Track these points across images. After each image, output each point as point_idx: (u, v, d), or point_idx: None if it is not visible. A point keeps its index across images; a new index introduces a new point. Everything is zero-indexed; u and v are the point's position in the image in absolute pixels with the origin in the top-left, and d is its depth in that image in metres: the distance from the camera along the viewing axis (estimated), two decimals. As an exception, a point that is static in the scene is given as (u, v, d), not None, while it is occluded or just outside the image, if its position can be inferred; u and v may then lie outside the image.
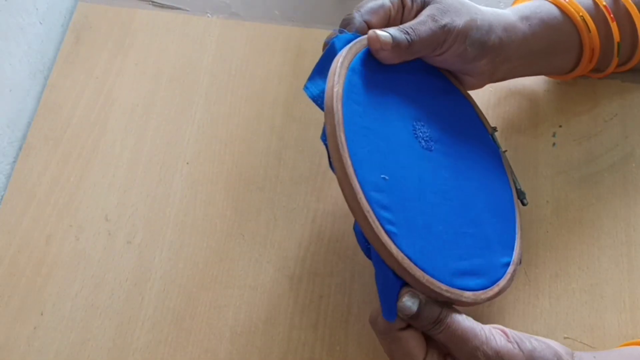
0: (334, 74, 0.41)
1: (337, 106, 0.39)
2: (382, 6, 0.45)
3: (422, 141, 0.44)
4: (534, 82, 0.57)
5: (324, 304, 0.49)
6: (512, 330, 0.40)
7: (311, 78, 0.44)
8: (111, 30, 0.61)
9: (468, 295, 0.40)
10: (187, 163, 0.55)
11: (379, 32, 0.43)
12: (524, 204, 0.49)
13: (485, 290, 0.42)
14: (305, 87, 0.44)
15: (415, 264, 0.39)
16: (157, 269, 0.51)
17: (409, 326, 0.40)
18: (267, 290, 0.50)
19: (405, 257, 0.38)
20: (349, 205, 0.39)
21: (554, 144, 0.54)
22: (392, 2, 0.46)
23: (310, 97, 0.43)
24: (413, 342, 0.39)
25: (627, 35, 0.50)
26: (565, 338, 0.47)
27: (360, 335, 0.48)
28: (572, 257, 0.50)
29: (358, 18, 0.45)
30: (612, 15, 0.49)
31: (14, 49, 0.56)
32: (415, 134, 0.44)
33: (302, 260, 0.51)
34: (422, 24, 0.45)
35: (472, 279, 0.41)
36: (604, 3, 0.50)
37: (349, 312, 0.49)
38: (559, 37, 0.50)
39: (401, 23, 0.46)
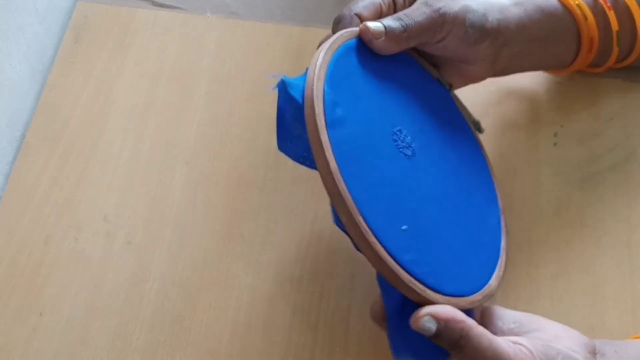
0: (315, 118, 0.38)
1: (334, 168, 0.38)
2: (372, 2, 0.45)
3: (402, 148, 0.42)
4: (534, 82, 0.57)
5: (324, 305, 0.49)
6: (535, 345, 0.38)
7: (280, 136, 0.43)
8: (111, 30, 0.61)
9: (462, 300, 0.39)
10: (187, 163, 0.55)
11: (369, 23, 0.43)
12: (480, 132, 0.49)
13: (473, 295, 0.40)
14: (280, 148, 0.43)
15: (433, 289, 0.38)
16: (157, 269, 0.51)
17: None
18: (266, 291, 0.50)
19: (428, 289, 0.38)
20: (385, 276, 0.38)
21: (555, 144, 0.54)
22: (382, 1, 0.46)
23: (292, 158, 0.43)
24: None
25: (626, 30, 0.50)
26: (566, 339, 0.47)
27: (360, 336, 0.48)
28: (573, 258, 0.50)
29: (348, 14, 0.45)
30: (609, 5, 0.49)
31: (14, 48, 0.56)
32: (396, 144, 0.42)
33: (302, 260, 0.51)
34: (416, 9, 0.45)
35: (465, 283, 0.41)
36: None
37: (349, 313, 0.49)
38: (556, 24, 0.50)
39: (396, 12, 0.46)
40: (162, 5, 0.62)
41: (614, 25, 0.50)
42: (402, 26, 0.44)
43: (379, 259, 0.37)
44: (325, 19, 0.61)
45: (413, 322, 0.37)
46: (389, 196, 0.39)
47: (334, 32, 0.44)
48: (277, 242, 0.51)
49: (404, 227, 0.39)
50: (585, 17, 0.49)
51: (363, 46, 0.44)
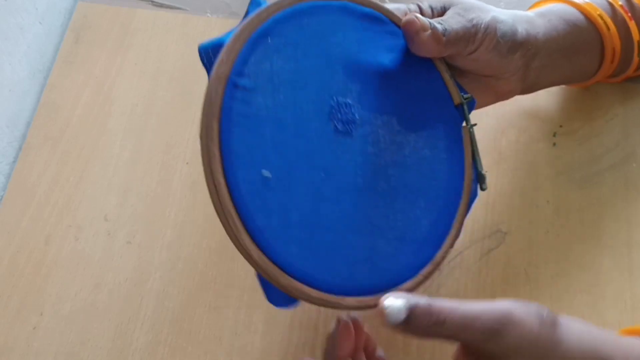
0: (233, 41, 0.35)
1: (217, 90, 0.35)
2: (398, 8, 0.44)
3: (339, 123, 0.38)
4: (534, 82, 0.57)
5: (324, 305, 0.49)
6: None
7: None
8: (111, 30, 0.61)
9: (350, 301, 0.37)
10: (187, 163, 0.55)
11: (417, 15, 0.42)
12: (482, 189, 0.44)
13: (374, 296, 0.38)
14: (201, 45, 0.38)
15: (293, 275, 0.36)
16: (157, 269, 0.51)
17: None
18: (267, 291, 0.50)
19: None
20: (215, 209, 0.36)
21: (554, 144, 0.54)
22: (409, 9, 0.45)
23: (200, 53, 0.38)
24: None
25: None
26: (566, 338, 0.47)
27: (360, 335, 0.48)
28: (572, 258, 0.50)
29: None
30: (629, 14, 0.49)
31: (14, 48, 0.56)
32: (330, 115, 0.38)
33: (302, 260, 0.51)
34: (450, 17, 0.44)
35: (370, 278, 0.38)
36: (620, 3, 0.49)
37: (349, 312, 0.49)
38: (580, 35, 0.49)
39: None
40: (162, 5, 0.62)
41: (635, 35, 0.49)
42: (443, 29, 0.43)
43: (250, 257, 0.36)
44: (325, 19, 0.61)
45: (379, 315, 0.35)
46: (277, 169, 0.36)
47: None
48: (277, 242, 0.51)
49: (265, 173, 0.36)
50: (608, 28, 0.49)
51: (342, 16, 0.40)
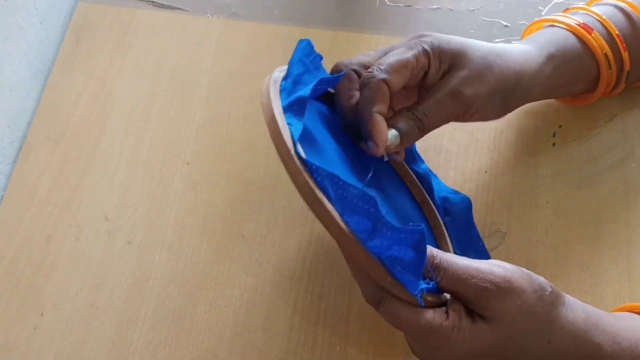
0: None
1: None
2: (405, 65, 0.42)
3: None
4: (534, 82, 0.57)
5: (323, 304, 0.49)
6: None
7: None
8: (111, 30, 0.61)
9: None
10: (187, 163, 0.55)
11: (386, 136, 0.41)
12: None
13: None
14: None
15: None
16: (157, 269, 0.51)
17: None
18: (267, 291, 0.50)
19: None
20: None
21: (553, 144, 0.54)
22: (416, 58, 0.43)
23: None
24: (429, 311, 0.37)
25: (637, 59, 0.50)
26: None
27: (360, 335, 0.48)
28: (572, 258, 0.50)
29: (377, 76, 0.41)
30: (624, 45, 0.49)
31: (14, 49, 0.56)
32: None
33: (302, 260, 0.51)
34: (439, 104, 0.43)
35: None
36: (617, 32, 0.49)
37: (349, 312, 0.49)
38: (579, 71, 0.49)
39: (425, 81, 0.44)
40: (162, 6, 0.62)
41: (627, 65, 0.50)
42: (420, 128, 0.42)
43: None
44: (325, 19, 0.61)
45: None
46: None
47: (361, 96, 0.42)
48: (277, 242, 0.51)
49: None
50: (610, 67, 0.49)
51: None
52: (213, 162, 0.55)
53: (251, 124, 0.56)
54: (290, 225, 0.52)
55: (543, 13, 0.60)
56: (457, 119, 0.44)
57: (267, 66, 0.59)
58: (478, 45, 0.45)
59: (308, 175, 0.36)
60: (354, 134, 0.43)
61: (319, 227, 0.52)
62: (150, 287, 0.50)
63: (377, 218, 0.35)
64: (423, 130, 0.43)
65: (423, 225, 0.35)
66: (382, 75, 0.41)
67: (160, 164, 0.55)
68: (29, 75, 0.58)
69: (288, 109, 0.39)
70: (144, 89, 0.58)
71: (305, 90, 0.40)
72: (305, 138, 0.39)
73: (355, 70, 0.43)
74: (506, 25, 0.60)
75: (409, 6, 0.61)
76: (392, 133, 0.42)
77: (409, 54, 0.42)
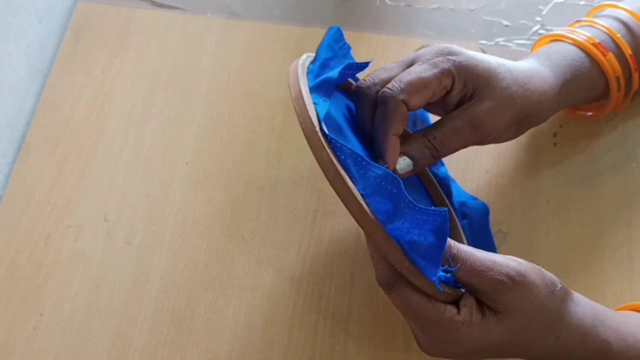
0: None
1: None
2: (426, 85, 0.41)
3: None
4: (534, 82, 0.56)
5: (324, 305, 0.49)
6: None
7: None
8: (110, 30, 0.61)
9: None
10: (187, 163, 0.55)
11: (399, 163, 0.41)
12: None
13: None
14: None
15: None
16: (157, 269, 0.51)
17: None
18: (267, 291, 0.50)
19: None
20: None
21: (555, 144, 0.54)
22: (439, 79, 0.41)
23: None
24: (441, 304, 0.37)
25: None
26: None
27: (360, 335, 0.48)
28: (573, 258, 0.50)
29: (396, 96, 0.40)
30: (636, 65, 0.49)
31: (14, 49, 0.56)
32: None
33: (302, 260, 0.51)
34: (458, 133, 0.42)
35: None
36: (630, 52, 0.48)
37: (349, 312, 0.49)
38: (589, 90, 0.49)
39: (445, 100, 0.43)
40: (162, 5, 0.62)
41: (636, 84, 0.50)
42: (434, 157, 0.42)
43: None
44: (325, 19, 0.61)
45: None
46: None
47: (378, 113, 0.41)
48: (277, 242, 0.51)
49: None
50: (619, 89, 0.49)
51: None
52: (213, 162, 0.55)
53: (251, 124, 0.56)
54: (290, 226, 0.52)
55: (543, 13, 0.60)
56: (471, 145, 0.44)
57: (267, 66, 0.59)
58: (504, 74, 0.43)
59: (332, 151, 0.36)
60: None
61: (319, 227, 0.52)
62: (150, 288, 0.50)
63: (399, 197, 0.34)
64: (437, 158, 0.42)
65: (446, 209, 0.35)
66: (402, 97, 0.40)
67: (160, 164, 0.55)
68: (28, 75, 0.58)
69: (315, 89, 0.39)
70: (144, 89, 0.58)
71: (333, 73, 0.40)
72: (330, 124, 0.39)
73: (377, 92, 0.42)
74: (507, 25, 0.60)
75: (409, 6, 0.61)
76: (406, 162, 0.41)
77: (431, 73, 0.41)
